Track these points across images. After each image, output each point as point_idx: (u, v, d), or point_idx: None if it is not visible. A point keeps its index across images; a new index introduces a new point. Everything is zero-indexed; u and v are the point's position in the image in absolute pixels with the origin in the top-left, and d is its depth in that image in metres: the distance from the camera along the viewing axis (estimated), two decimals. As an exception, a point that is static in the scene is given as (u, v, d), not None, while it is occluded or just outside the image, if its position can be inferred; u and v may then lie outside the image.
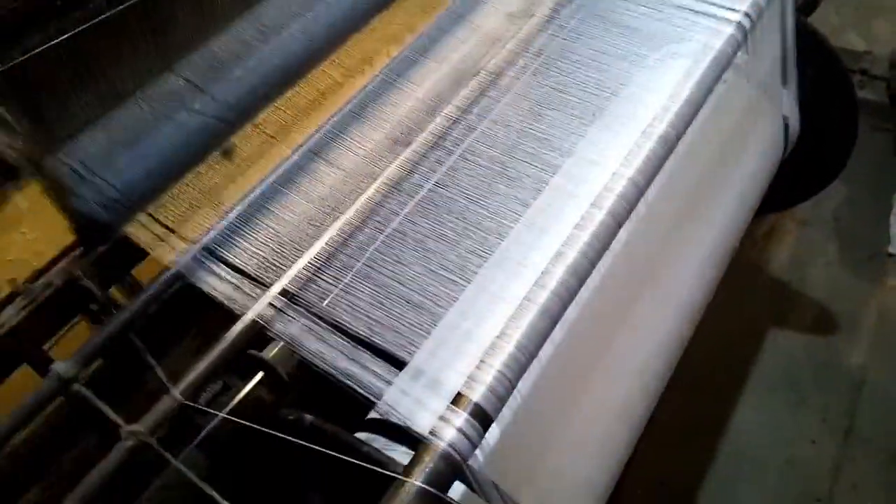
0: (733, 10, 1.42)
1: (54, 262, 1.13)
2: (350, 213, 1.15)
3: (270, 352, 1.02)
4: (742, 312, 2.34)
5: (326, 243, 1.11)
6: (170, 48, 1.27)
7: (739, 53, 1.43)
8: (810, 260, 2.59)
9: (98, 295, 1.12)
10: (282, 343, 1.00)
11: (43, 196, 1.14)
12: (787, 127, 1.77)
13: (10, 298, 1.07)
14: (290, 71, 1.39)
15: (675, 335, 1.47)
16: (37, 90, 1.05)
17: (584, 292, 1.08)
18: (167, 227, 1.16)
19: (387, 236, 1.14)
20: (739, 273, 1.84)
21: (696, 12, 1.43)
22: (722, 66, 1.36)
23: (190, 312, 1.12)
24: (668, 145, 1.23)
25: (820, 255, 2.60)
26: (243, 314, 1.01)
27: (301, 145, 1.26)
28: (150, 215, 1.18)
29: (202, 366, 0.96)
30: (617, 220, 1.13)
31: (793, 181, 1.96)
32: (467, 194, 1.20)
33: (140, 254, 1.16)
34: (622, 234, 1.14)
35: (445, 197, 1.19)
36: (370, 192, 1.18)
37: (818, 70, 1.87)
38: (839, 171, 2.07)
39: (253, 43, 1.38)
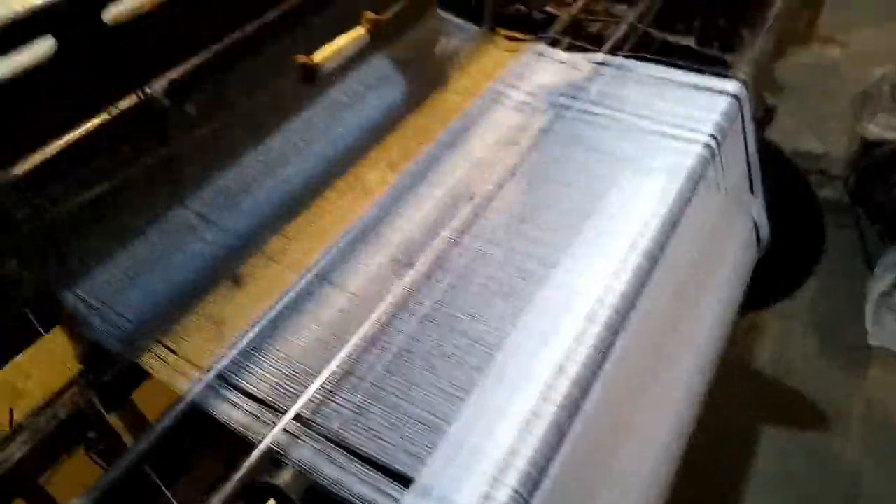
0: (700, 132, 1.56)
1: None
2: (358, 336, 1.19)
3: (282, 477, 1.03)
4: (732, 409, 2.37)
5: (337, 366, 1.14)
6: (181, 183, 1.36)
7: (709, 169, 1.56)
8: (793, 354, 2.66)
9: (103, 426, 1.14)
10: (293, 468, 1.02)
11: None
12: (758, 231, 1.89)
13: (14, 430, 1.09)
14: (294, 200, 1.48)
15: (676, 438, 1.50)
16: (55, 230, 1.11)
17: (587, 404, 1.13)
18: (179, 356, 1.20)
19: (394, 356, 1.19)
20: (725, 370, 1.90)
21: (667, 135, 1.57)
22: (695, 182, 1.48)
23: (202, 440, 1.14)
24: (654, 258, 1.31)
25: (802, 348, 2.68)
26: (258, 441, 1.03)
27: (308, 270, 1.32)
28: (162, 343, 1.22)
29: (218, 499, 0.97)
30: (612, 332, 1.19)
31: (771, 281, 2.06)
32: (468, 312, 1.26)
33: (145, 379, 1.19)
34: (618, 343, 1.20)
35: (448, 315, 1.25)
36: (376, 313, 1.23)
37: (779, 177, 2.02)
38: (813, 268, 2.18)
39: (259, 175, 1.48)
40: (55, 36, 0.73)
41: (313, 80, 1.22)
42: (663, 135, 1.59)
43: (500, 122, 1.67)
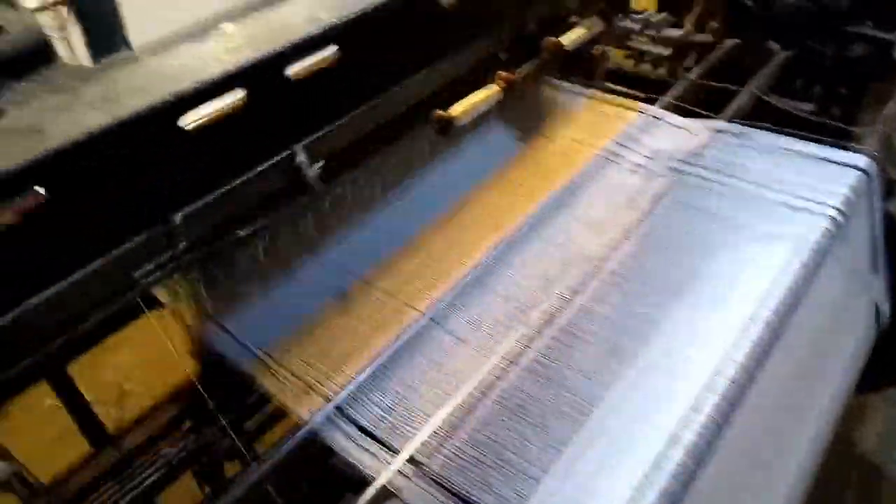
0: (826, 205, 1.51)
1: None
2: (471, 384, 1.22)
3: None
4: (835, 492, 2.23)
5: (449, 412, 1.17)
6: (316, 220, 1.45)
7: (834, 243, 1.51)
8: (901, 443, 2.48)
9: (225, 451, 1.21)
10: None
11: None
12: (878, 312, 1.80)
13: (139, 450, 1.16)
14: (413, 242, 1.54)
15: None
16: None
17: (701, 476, 1.10)
18: (299, 381, 1.26)
19: (503, 406, 1.20)
20: (830, 452, 1.79)
21: (790, 206, 1.54)
22: (819, 256, 1.44)
23: (315, 469, 1.18)
24: (775, 332, 1.28)
25: (911, 437, 2.49)
26: (373, 479, 1.07)
27: (424, 312, 1.37)
28: (284, 367, 1.28)
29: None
30: (730, 404, 1.16)
31: (885, 364, 1.95)
32: (578, 368, 1.26)
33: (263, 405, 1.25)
34: (735, 416, 1.17)
35: (557, 371, 1.26)
36: (488, 363, 1.26)
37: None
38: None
39: (380, 216, 1.56)
40: (246, 88, 0.82)
41: (448, 133, 1.28)
42: (786, 205, 1.55)
43: (615, 183, 1.68)
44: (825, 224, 1.48)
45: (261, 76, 0.84)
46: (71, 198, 0.72)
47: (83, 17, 0.86)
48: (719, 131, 1.80)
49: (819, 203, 1.52)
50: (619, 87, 2.33)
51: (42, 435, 1.28)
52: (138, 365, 1.28)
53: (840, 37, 2.20)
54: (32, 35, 0.79)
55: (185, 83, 0.76)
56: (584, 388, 1.22)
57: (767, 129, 1.80)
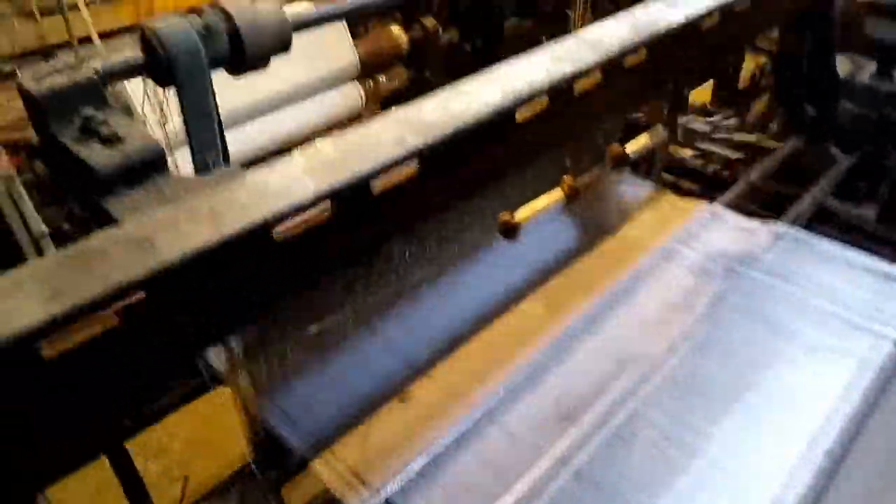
0: (893, 326, 1.49)
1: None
2: (518, 485, 1.22)
3: None
4: None
5: (497, 514, 1.17)
6: (370, 312, 1.49)
7: (897, 366, 1.47)
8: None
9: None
10: None
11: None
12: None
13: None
14: (466, 333, 1.57)
15: None
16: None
17: None
18: (348, 467, 1.28)
19: (550, 511, 1.19)
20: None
21: (852, 323, 1.52)
22: (885, 381, 1.40)
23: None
24: (837, 460, 1.25)
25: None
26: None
27: (474, 406, 1.38)
28: (334, 453, 1.31)
29: None
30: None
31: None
32: (627, 476, 1.25)
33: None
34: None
35: (605, 475, 1.25)
36: (538, 465, 1.26)
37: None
38: None
39: (436, 308, 1.59)
40: (333, 203, 0.88)
41: (514, 237, 1.33)
42: (848, 322, 1.53)
43: (672, 282, 1.69)
44: (890, 349, 1.45)
45: (348, 192, 0.90)
46: (167, 300, 0.77)
47: (191, 135, 0.94)
48: (780, 236, 1.80)
49: (883, 325, 1.50)
50: (679, 180, 2.37)
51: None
52: (194, 443, 1.32)
53: (904, 145, 2.19)
54: (149, 146, 0.87)
55: (282, 202, 0.82)
56: (632, 498, 1.21)
57: (830, 237, 1.80)
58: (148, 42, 0.97)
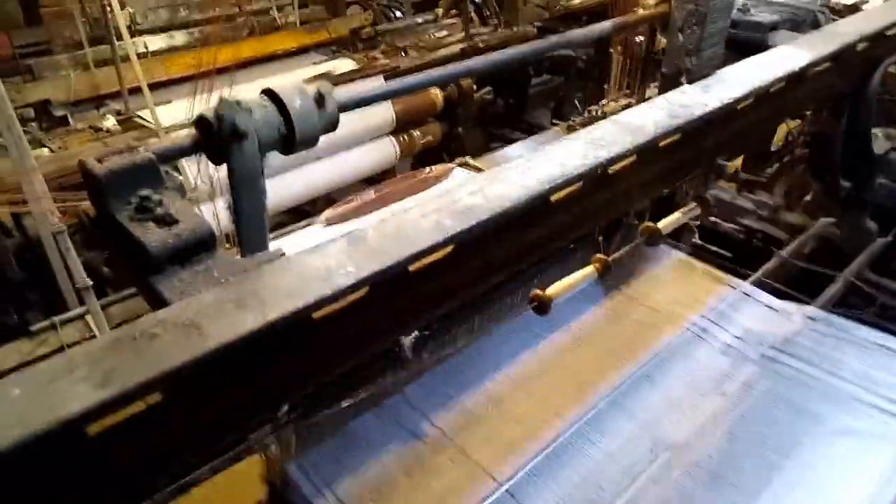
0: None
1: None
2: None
3: None
4: None
5: None
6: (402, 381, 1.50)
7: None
8: None
9: None
10: None
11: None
12: None
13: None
14: (492, 402, 1.56)
15: None
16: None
17: None
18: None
19: None
20: None
21: (890, 413, 1.48)
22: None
23: None
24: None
25: None
26: None
27: (498, 482, 1.37)
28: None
29: None
30: None
31: None
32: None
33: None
34: None
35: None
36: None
37: None
38: None
39: (464, 374, 1.59)
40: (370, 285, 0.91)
41: (545, 312, 1.34)
42: (885, 411, 1.50)
43: (703, 363, 1.67)
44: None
45: (385, 277, 0.92)
46: (211, 381, 0.80)
47: (239, 215, 0.98)
48: (814, 319, 1.77)
49: (921, 414, 1.46)
50: (711, 249, 2.36)
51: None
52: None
53: (943, 224, 2.16)
54: (200, 226, 0.91)
55: (323, 289, 0.85)
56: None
57: (865, 316, 1.77)
58: (203, 123, 1.02)
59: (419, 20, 4.48)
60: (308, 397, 1.13)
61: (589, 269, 1.44)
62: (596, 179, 1.23)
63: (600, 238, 1.52)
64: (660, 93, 1.52)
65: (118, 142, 2.88)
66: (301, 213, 3.90)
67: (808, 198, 2.40)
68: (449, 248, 1.02)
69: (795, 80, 1.61)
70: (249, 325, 0.79)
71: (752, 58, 1.60)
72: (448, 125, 4.22)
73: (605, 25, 1.66)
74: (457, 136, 4.29)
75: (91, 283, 1.65)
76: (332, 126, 1.16)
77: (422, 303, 1.08)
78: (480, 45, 4.14)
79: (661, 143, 1.34)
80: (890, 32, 2.01)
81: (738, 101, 1.45)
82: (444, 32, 4.27)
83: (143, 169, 0.95)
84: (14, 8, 4.22)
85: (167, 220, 0.90)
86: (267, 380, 0.86)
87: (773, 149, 3.01)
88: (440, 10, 4.47)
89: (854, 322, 1.76)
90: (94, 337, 1.67)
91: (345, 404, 1.13)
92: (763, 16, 1.81)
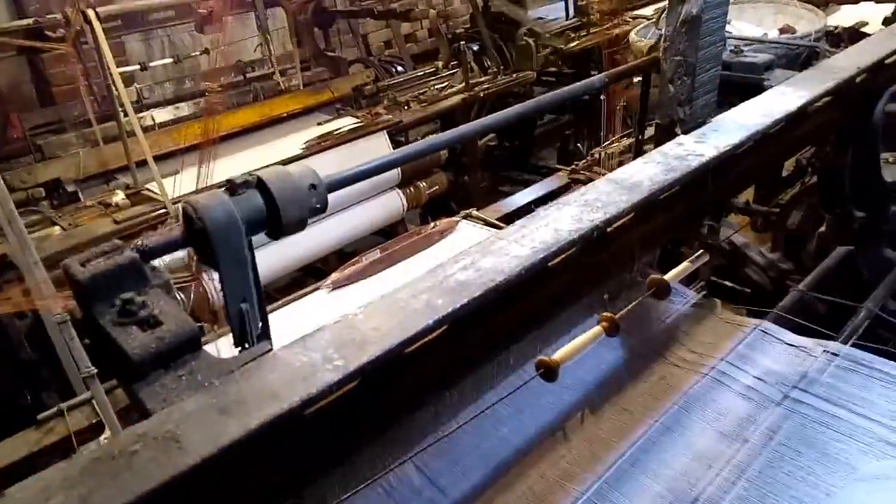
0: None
1: None
2: None
3: None
4: None
5: None
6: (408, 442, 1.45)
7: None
8: None
9: None
10: None
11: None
12: None
13: None
14: (507, 468, 1.51)
15: None
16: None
17: None
18: None
19: None
20: None
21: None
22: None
23: None
24: None
25: None
26: None
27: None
28: None
29: None
30: None
31: None
32: None
33: None
34: None
35: None
36: None
37: None
38: None
39: (476, 442, 1.54)
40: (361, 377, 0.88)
41: (553, 377, 1.29)
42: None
43: (725, 408, 1.60)
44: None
45: (376, 366, 0.89)
46: (194, 493, 0.76)
47: (230, 308, 0.96)
48: (836, 355, 1.70)
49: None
50: (725, 288, 2.30)
51: None
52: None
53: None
54: (184, 328, 0.89)
55: (310, 387, 0.82)
56: None
57: (891, 355, 1.69)
58: (188, 217, 1.01)
59: (420, 73, 4.55)
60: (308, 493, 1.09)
61: (597, 329, 1.39)
62: (593, 242, 1.19)
63: (606, 296, 1.48)
64: (655, 144, 1.49)
65: (127, 216, 2.92)
66: (313, 269, 3.91)
67: (822, 228, 2.34)
68: (442, 329, 0.99)
69: (794, 119, 1.58)
70: (231, 434, 0.76)
71: (748, 102, 1.58)
72: (454, 174, 4.24)
73: (599, 78, 1.66)
74: (463, 184, 4.30)
75: (95, 370, 1.65)
76: (322, 209, 1.15)
77: (419, 384, 1.04)
78: (481, 94, 4.17)
79: (660, 198, 1.31)
80: (889, 61, 1.98)
81: (735, 147, 1.42)
82: (445, 83, 4.32)
83: (126, 270, 0.94)
84: (28, 89, 4.37)
85: (151, 323, 0.89)
86: (255, 487, 0.82)
87: (785, 174, 2.97)
88: (440, 63, 4.53)
89: (880, 357, 1.68)
90: (100, 423, 1.66)
91: (351, 493, 1.08)
92: (757, 56, 1.79)
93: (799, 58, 1.98)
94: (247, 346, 0.99)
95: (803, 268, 2.28)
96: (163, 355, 0.86)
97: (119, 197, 3.00)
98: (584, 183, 2.58)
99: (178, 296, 2.88)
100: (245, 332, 0.99)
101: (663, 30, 1.42)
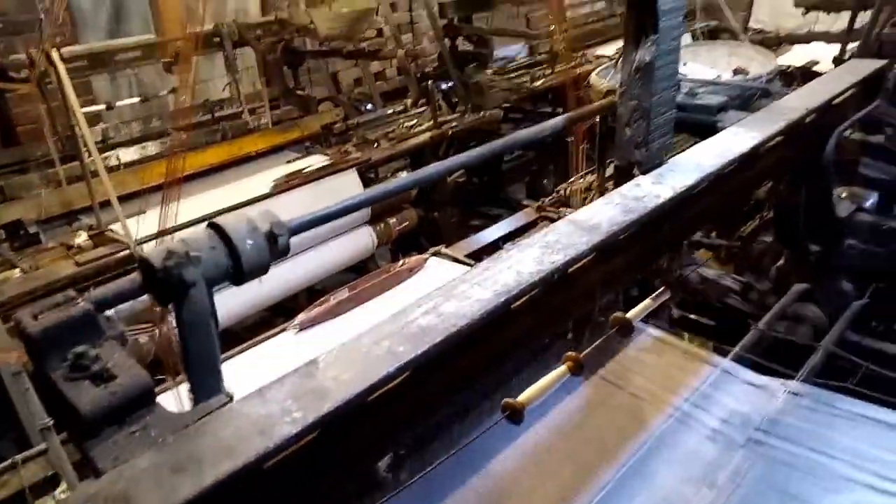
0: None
1: None
2: None
3: None
4: None
5: None
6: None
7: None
8: None
9: None
10: None
11: None
12: None
13: None
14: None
15: None
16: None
17: None
18: None
19: None
20: None
21: (884, 491, 1.42)
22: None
23: None
24: None
25: None
26: None
27: None
28: None
29: None
30: None
31: None
32: None
33: None
34: None
35: None
36: None
37: None
38: None
39: (440, 491, 1.52)
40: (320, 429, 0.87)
41: (520, 420, 1.29)
42: (880, 490, 1.43)
43: (691, 451, 1.61)
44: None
45: (336, 417, 0.88)
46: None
47: (188, 359, 0.95)
48: (797, 394, 1.72)
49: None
50: (689, 324, 2.33)
51: None
52: None
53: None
54: (138, 382, 0.88)
55: (267, 442, 0.81)
56: None
57: (851, 392, 1.72)
58: (146, 266, 1.00)
59: (389, 111, 4.59)
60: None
61: (561, 369, 1.40)
62: (555, 284, 1.21)
63: (570, 335, 1.49)
64: (615, 185, 1.53)
65: (90, 258, 2.86)
66: (282, 308, 3.86)
67: (780, 263, 2.40)
68: (404, 376, 0.98)
69: (748, 159, 1.63)
70: (184, 493, 0.74)
71: (703, 143, 1.63)
72: (424, 210, 4.26)
73: (559, 120, 1.70)
74: (433, 220, 4.32)
75: (52, 421, 1.60)
76: (283, 253, 1.15)
77: (382, 432, 1.03)
78: (449, 132, 4.23)
79: (619, 238, 1.33)
80: (837, 101, 2.06)
81: (691, 188, 1.46)
82: (414, 121, 4.36)
83: (80, 322, 0.92)
84: (-9, 129, 4.30)
85: (104, 377, 0.87)
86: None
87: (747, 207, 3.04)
88: (409, 101, 4.58)
89: (839, 394, 1.71)
90: (56, 476, 1.60)
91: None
92: (711, 98, 1.85)
93: (752, 99, 2.05)
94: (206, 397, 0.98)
95: (764, 302, 2.33)
96: (115, 411, 0.85)
97: (82, 238, 2.94)
98: (552, 219, 2.61)
99: (143, 338, 2.82)
100: (205, 383, 0.97)
101: (619, 75, 1.47)
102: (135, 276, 1.02)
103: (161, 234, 2.41)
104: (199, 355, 1.00)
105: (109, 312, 1.01)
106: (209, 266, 1.02)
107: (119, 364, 0.90)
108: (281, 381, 0.93)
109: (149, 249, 1.02)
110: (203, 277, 1.00)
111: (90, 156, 3.01)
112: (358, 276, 2.94)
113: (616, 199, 1.39)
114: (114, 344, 0.93)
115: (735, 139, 1.66)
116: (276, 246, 1.09)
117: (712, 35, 4.72)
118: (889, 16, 3.15)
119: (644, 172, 1.49)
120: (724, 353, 1.89)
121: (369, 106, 4.91)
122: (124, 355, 0.92)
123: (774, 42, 4.22)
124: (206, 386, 0.98)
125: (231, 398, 0.93)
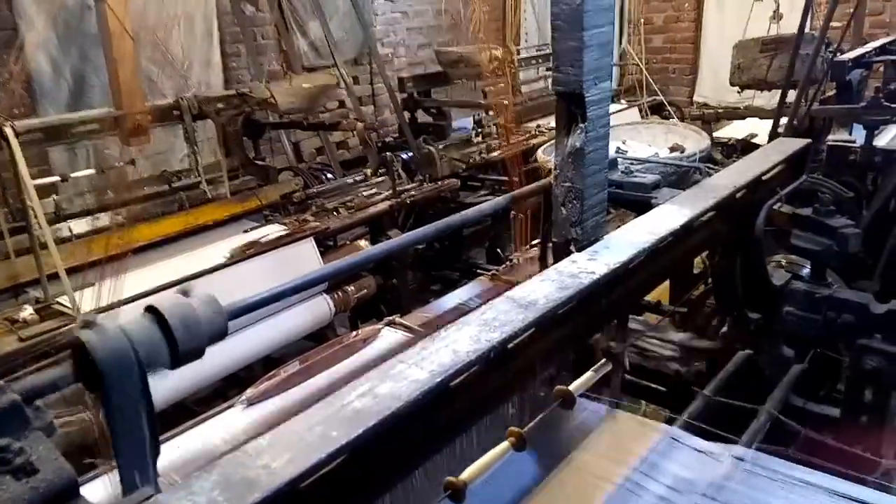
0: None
1: None
2: None
3: None
4: None
5: None
6: None
7: None
8: None
9: None
10: None
11: None
12: None
13: None
14: None
15: None
16: None
17: None
18: None
19: None
20: None
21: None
22: None
23: None
24: None
25: None
26: None
27: None
28: None
29: None
30: None
31: None
32: None
33: None
34: None
35: None
36: None
37: None
38: None
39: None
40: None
41: (462, 499, 1.29)
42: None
43: (642, 524, 1.62)
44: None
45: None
46: None
47: (117, 449, 0.94)
48: (741, 460, 1.75)
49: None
50: (636, 391, 2.36)
51: None
52: None
53: (854, 349, 2.24)
54: (61, 476, 0.86)
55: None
56: None
57: (791, 458, 1.76)
58: (78, 352, 1.00)
59: (349, 180, 4.67)
60: None
61: (504, 445, 1.41)
62: (493, 361, 1.24)
63: (512, 411, 1.51)
64: (553, 260, 1.58)
65: (34, 332, 2.80)
66: (236, 379, 3.79)
67: (724, 329, 2.47)
68: (338, 461, 0.99)
69: (680, 234, 1.71)
70: None
71: (636, 220, 1.71)
72: (383, 277, 4.28)
73: (503, 199, 1.77)
74: (393, 286, 4.34)
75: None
76: (221, 336, 1.16)
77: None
78: (408, 200, 4.31)
79: (557, 313, 1.38)
80: (766, 177, 2.19)
81: (625, 263, 1.52)
82: (374, 190, 4.44)
83: (6, 413, 0.91)
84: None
85: (26, 471, 0.85)
86: None
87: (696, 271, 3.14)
88: (369, 170, 4.68)
89: (781, 459, 1.75)
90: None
91: None
92: (646, 176, 1.95)
93: (686, 175, 2.17)
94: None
95: (712, 367, 2.39)
96: (38, 509, 0.83)
97: (27, 312, 2.88)
98: (508, 286, 2.66)
99: (87, 415, 2.73)
100: (132, 473, 0.96)
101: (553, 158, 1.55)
102: (66, 365, 1.01)
103: (106, 308, 2.38)
104: (130, 444, 0.99)
105: (38, 402, 0.99)
106: (143, 351, 1.02)
107: (43, 457, 0.88)
108: (209, 471, 0.93)
109: (82, 332, 1.01)
110: (136, 362, 1.00)
111: (40, 228, 2.99)
112: (316, 344, 2.92)
113: (552, 275, 1.44)
114: (40, 435, 0.92)
115: (668, 215, 1.74)
116: (212, 328, 1.10)
117: (656, 110, 4.98)
118: (816, 92, 3.38)
119: (580, 249, 1.55)
120: (673, 420, 1.93)
121: (329, 175, 4.98)
122: (50, 447, 0.90)
123: (713, 118, 4.47)
124: (136, 475, 0.97)
125: (157, 490, 0.92)
